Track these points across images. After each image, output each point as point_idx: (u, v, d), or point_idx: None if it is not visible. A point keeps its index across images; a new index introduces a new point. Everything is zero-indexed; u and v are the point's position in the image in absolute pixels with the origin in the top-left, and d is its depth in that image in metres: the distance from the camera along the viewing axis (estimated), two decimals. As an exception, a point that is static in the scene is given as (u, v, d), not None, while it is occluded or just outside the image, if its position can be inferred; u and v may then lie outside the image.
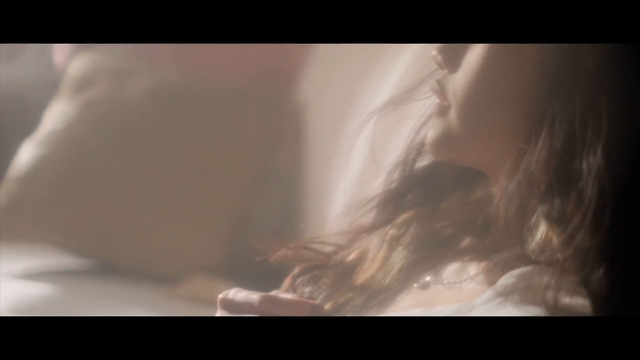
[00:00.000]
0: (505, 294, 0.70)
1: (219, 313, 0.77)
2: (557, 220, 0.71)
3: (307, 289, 0.88)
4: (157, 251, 1.68)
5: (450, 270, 0.80)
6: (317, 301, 0.83)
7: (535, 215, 0.73)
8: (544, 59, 0.75)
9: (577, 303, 0.68)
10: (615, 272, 0.69)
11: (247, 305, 0.75)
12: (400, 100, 0.86)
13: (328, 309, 0.84)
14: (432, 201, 0.84)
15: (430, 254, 0.82)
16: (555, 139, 0.73)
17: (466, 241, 0.80)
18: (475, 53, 0.78)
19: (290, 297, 0.74)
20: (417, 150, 0.85)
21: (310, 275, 0.88)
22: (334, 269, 0.86)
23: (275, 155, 1.78)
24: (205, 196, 1.70)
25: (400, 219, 0.85)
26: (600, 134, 0.72)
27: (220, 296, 0.77)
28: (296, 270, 0.88)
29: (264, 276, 1.00)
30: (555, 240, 0.71)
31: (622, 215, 0.70)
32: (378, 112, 0.87)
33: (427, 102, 0.84)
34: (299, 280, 0.87)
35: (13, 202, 1.68)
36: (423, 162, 0.85)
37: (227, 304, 0.76)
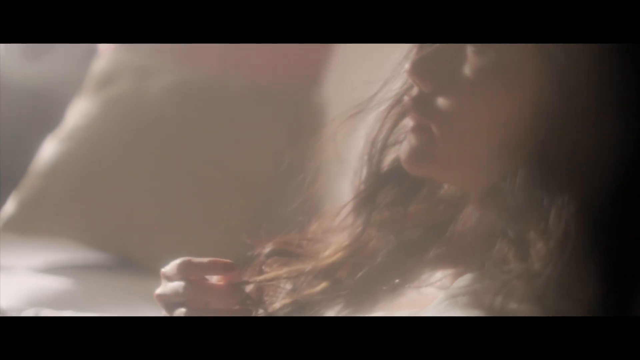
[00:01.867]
0: (455, 296, 0.72)
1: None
2: (518, 246, 0.73)
3: (288, 286, 0.91)
4: (174, 247, 1.71)
5: (419, 274, 0.82)
6: (229, 260, 0.87)
7: (497, 234, 0.75)
8: (539, 93, 0.75)
9: (526, 310, 0.70)
10: (573, 297, 0.71)
11: (170, 274, 0.85)
12: (369, 108, 0.88)
13: (301, 301, 0.86)
14: (402, 199, 0.87)
15: (400, 258, 0.84)
16: (531, 179, 0.74)
17: (434, 247, 0.82)
18: (464, 77, 0.77)
19: (204, 259, 0.79)
20: (381, 149, 0.86)
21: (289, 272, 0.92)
22: (308, 262, 0.89)
23: (294, 152, 1.80)
24: (223, 193, 1.74)
25: (373, 220, 0.87)
26: (576, 178, 0.72)
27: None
28: (267, 250, 0.91)
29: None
30: (512, 262, 0.73)
31: (584, 247, 0.71)
32: (346, 118, 0.89)
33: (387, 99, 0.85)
34: (271, 259, 0.90)
35: (34, 197, 1.73)
36: (388, 159, 0.87)
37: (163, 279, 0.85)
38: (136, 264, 1.71)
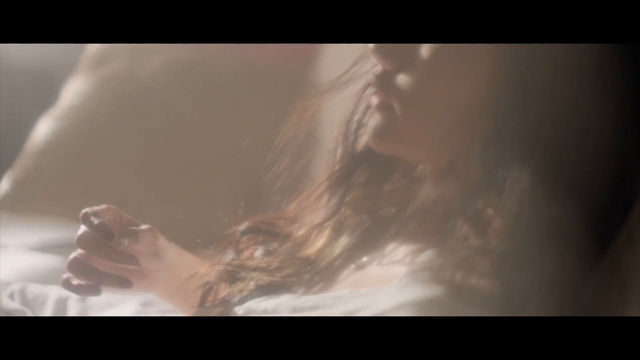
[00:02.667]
0: (416, 272, 0.74)
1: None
2: (475, 221, 0.74)
3: (263, 262, 0.93)
4: (168, 226, 1.73)
5: (386, 252, 0.84)
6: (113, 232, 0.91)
7: (456, 211, 0.76)
8: (495, 72, 0.76)
9: (486, 285, 0.71)
10: (532, 272, 0.72)
11: None
12: (338, 85, 0.89)
13: (277, 280, 0.88)
14: (376, 179, 0.88)
15: (371, 236, 0.86)
16: (487, 154, 0.75)
17: (401, 224, 0.84)
18: (424, 56, 0.79)
19: (97, 220, 0.82)
20: (356, 128, 0.88)
21: (265, 251, 0.93)
22: (283, 240, 0.91)
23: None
24: (217, 173, 1.75)
25: (348, 200, 0.89)
26: (530, 155, 0.73)
27: None
28: (243, 227, 0.93)
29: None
30: (472, 237, 0.74)
31: (538, 223, 0.72)
32: (318, 97, 0.91)
33: (363, 80, 0.86)
34: (246, 237, 0.92)
35: (29, 175, 1.75)
36: (363, 138, 0.88)
37: None
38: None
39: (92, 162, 1.75)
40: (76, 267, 0.95)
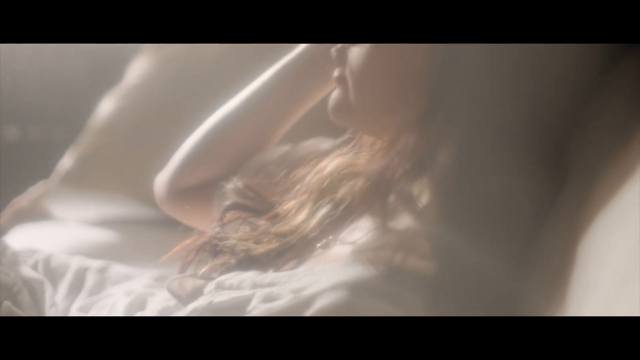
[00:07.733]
0: (359, 252, 0.74)
1: None
2: (411, 204, 0.74)
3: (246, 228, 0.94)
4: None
5: (347, 231, 0.84)
6: None
7: (395, 192, 0.76)
8: (434, 52, 0.77)
9: (425, 267, 0.71)
10: (463, 258, 0.71)
11: None
12: None
13: (255, 255, 0.89)
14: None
15: (342, 215, 0.87)
16: (420, 135, 0.75)
17: (352, 204, 0.84)
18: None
19: None
20: None
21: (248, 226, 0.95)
22: (265, 215, 0.93)
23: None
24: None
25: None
26: (456, 134, 0.73)
27: None
28: (228, 202, 0.95)
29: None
30: (411, 219, 0.75)
31: (474, 206, 0.72)
32: None
33: None
34: (230, 213, 0.94)
35: (90, 152, 1.81)
36: None
37: None
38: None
39: (152, 141, 1.79)
40: None
